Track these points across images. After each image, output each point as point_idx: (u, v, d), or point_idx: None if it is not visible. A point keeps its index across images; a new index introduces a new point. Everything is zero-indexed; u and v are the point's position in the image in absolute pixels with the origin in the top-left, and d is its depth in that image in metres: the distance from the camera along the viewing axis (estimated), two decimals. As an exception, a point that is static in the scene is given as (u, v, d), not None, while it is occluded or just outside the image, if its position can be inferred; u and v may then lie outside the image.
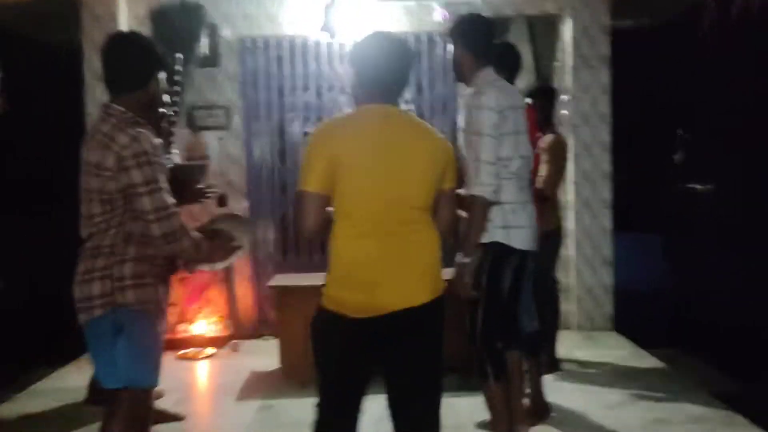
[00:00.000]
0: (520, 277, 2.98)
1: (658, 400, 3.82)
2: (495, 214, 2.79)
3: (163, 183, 2.28)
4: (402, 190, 2.07)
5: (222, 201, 5.47)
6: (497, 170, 2.73)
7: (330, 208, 2.10)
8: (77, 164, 2.34)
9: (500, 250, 2.81)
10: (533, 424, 3.38)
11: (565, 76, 5.48)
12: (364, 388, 2.15)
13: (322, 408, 2.16)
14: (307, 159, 2.07)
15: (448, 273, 2.88)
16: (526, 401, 3.37)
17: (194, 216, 5.25)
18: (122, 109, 2.30)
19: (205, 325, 5.33)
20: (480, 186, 2.70)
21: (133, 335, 2.26)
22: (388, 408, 2.16)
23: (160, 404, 3.86)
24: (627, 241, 5.69)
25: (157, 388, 3.86)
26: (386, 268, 2.05)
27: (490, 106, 2.72)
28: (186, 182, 2.93)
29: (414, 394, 2.15)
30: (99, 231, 2.27)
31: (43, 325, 3.49)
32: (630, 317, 5.46)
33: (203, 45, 5.16)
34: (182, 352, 5.00)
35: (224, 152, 5.48)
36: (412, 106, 4.17)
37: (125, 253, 2.27)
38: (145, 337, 2.31)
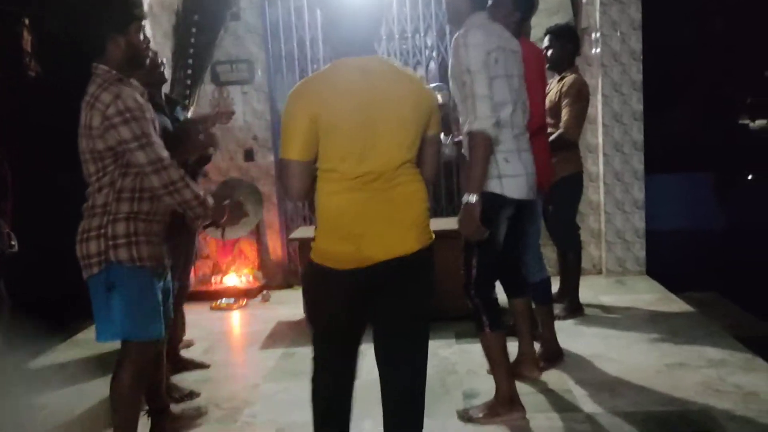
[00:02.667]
0: (518, 226, 2.94)
1: (679, 344, 3.76)
2: (489, 163, 2.73)
3: (154, 136, 2.33)
4: (386, 145, 2.03)
5: (248, 154, 5.56)
6: (494, 105, 2.66)
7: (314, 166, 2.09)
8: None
9: (493, 199, 2.76)
10: (544, 369, 3.40)
11: (594, 13, 5.27)
12: (358, 339, 2.17)
13: (318, 360, 2.19)
14: (288, 123, 2.03)
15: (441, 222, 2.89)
16: (533, 348, 3.37)
17: (221, 171, 5.38)
18: (106, 68, 2.34)
19: (237, 276, 5.48)
20: (478, 120, 2.63)
21: (126, 291, 2.35)
22: (375, 357, 2.19)
23: (190, 353, 4.04)
24: (660, 183, 5.53)
25: (187, 338, 4.08)
26: (372, 220, 2.04)
27: (476, 44, 2.65)
28: (186, 136, 2.98)
29: (400, 341, 2.17)
30: (94, 191, 2.37)
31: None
32: (663, 262, 5.35)
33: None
34: (215, 303, 5.17)
35: (249, 106, 5.53)
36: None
37: (117, 212, 2.35)
38: (140, 293, 2.39)
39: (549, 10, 5.72)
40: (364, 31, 2.09)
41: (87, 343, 4.38)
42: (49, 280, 4.32)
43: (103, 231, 2.34)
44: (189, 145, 3.11)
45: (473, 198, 2.64)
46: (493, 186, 2.76)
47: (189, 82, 3.57)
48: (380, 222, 2.05)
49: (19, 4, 4.99)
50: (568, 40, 4.21)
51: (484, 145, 2.66)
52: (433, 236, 2.18)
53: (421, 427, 2.22)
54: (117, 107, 2.25)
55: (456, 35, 2.76)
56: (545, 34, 4.25)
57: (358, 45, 2.08)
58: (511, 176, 2.77)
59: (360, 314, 2.15)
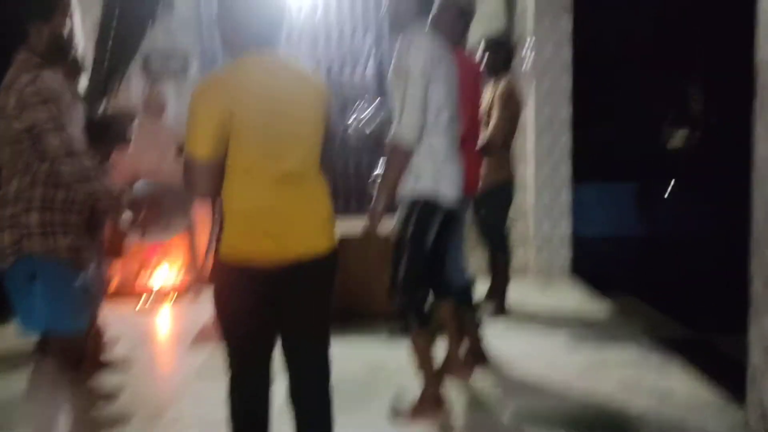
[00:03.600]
0: (447, 230, 2.98)
1: (599, 345, 3.90)
2: (424, 168, 2.77)
3: (71, 124, 2.26)
4: (296, 143, 2.03)
5: (180, 151, 5.44)
6: (424, 115, 2.68)
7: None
8: None
9: (428, 204, 2.80)
10: (471, 369, 3.47)
11: (528, 23, 5.41)
12: (273, 339, 2.14)
13: (233, 364, 2.14)
14: (196, 120, 1.95)
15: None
16: (460, 348, 3.43)
17: (154, 167, 5.25)
18: (27, 55, 2.28)
19: (166, 272, 5.36)
20: (402, 127, 2.65)
21: (46, 282, 2.28)
22: (281, 356, 2.17)
23: (113, 351, 3.92)
24: (586, 191, 5.72)
25: (111, 334, 3.95)
26: (289, 218, 2.04)
27: (421, 47, 2.67)
28: (112, 129, 2.91)
29: (306, 340, 2.17)
30: (8, 176, 2.28)
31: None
32: (587, 267, 5.54)
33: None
34: (143, 299, 5.05)
35: (182, 101, 5.41)
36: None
37: (31, 200, 2.27)
38: (60, 285, 2.32)
39: (483, 17, 5.85)
40: (265, 26, 2.03)
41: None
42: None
43: (16, 220, 2.26)
44: (109, 137, 3.02)
45: (378, 206, 2.74)
46: (428, 188, 2.79)
47: (106, 73, 3.44)
48: (297, 219, 2.05)
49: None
50: (501, 48, 4.31)
51: (402, 156, 2.70)
52: (337, 237, 2.19)
53: (332, 426, 2.22)
54: (35, 86, 2.19)
55: (401, 40, 2.78)
56: (481, 41, 4.33)
57: (258, 40, 2.02)
58: (446, 180, 2.81)
59: (273, 312, 2.10)
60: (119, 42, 3.20)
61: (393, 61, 2.82)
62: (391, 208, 2.84)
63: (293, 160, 2.02)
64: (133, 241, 5.24)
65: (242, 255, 2.02)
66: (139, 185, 2.72)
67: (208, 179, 1.97)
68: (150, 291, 5.19)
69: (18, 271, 2.27)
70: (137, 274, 5.39)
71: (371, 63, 5.57)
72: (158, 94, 5.37)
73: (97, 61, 3.20)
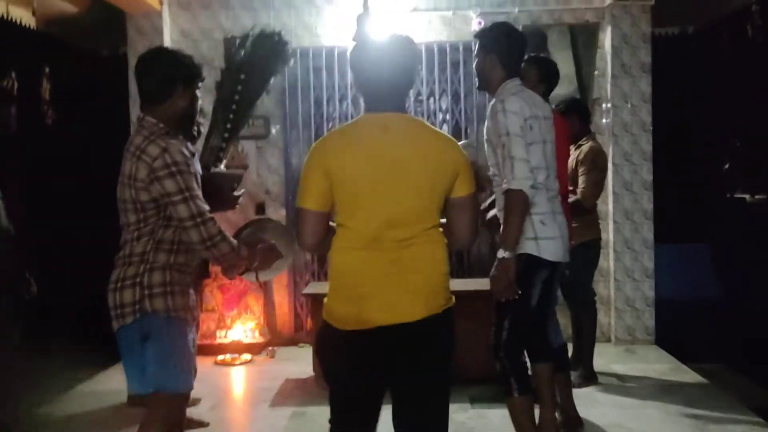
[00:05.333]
0: (550, 290, 2.94)
1: (696, 416, 3.72)
2: (526, 225, 2.76)
3: (197, 190, 2.32)
4: (399, 205, 1.98)
5: (260, 208, 5.56)
6: (531, 168, 2.69)
7: (332, 223, 2.07)
8: (118, 173, 2.40)
9: (530, 261, 2.78)
10: (566, 438, 3.34)
11: (605, 85, 5.41)
12: (375, 402, 2.08)
13: (335, 423, 2.11)
14: (305, 174, 2.02)
15: (469, 283, 2.91)
16: (556, 414, 3.31)
17: (231, 223, 5.37)
18: (154, 121, 2.35)
19: (242, 331, 5.40)
20: (516, 180, 2.66)
21: (160, 342, 2.30)
22: (393, 425, 2.10)
23: (195, 410, 3.93)
24: (669, 253, 5.56)
25: (193, 395, 3.97)
26: (377, 282, 1.97)
27: (514, 111, 2.71)
28: (220, 190, 2.98)
29: (415, 412, 2.07)
30: (132, 239, 2.33)
31: (86, 328, 3.60)
32: (672, 330, 5.34)
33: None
34: (219, 357, 5.07)
35: (263, 161, 5.56)
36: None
37: (155, 261, 2.31)
38: (174, 344, 2.34)
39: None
40: (390, 86, 2.04)
41: (90, 395, 4.27)
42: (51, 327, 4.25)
43: (138, 280, 2.30)
44: (219, 199, 3.10)
45: (508, 254, 2.66)
46: (530, 248, 2.78)
47: (227, 136, 3.59)
48: (387, 285, 1.98)
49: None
50: (574, 113, 4.29)
51: (522, 203, 2.69)
52: (452, 301, 2.09)
53: None
54: (164, 160, 2.24)
55: (493, 102, 2.82)
56: (557, 104, 4.32)
57: (383, 100, 2.04)
58: (548, 238, 2.80)
59: (372, 379, 2.05)
60: (240, 109, 3.32)
61: (488, 122, 2.86)
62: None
63: (392, 220, 1.97)
64: (217, 293, 5.37)
65: (331, 314, 2.02)
66: (248, 231, 2.79)
67: (311, 229, 2.02)
68: (226, 348, 5.21)
69: (134, 330, 2.29)
70: (215, 330, 5.44)
71: (446, 124, 5.63)
72: (240, 155, 5.53)
73: (217, 124, 3.31)
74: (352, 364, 2.02)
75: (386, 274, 1.98)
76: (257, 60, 3.55)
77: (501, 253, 2.67)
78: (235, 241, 2.43)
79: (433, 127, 2.15)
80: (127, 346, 2.34)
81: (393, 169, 1.97)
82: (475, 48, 2.98)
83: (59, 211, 4.65)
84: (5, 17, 4.72)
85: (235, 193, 2.97)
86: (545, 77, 3.40)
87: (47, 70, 5.17)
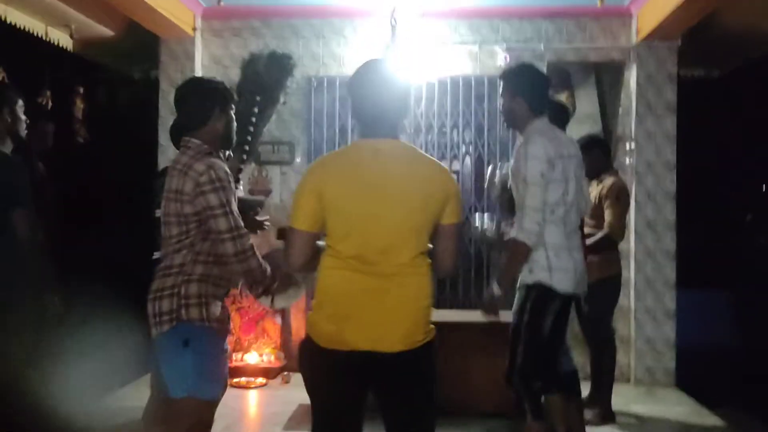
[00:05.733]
0: (562, 320, 2.96)
1: (717, 460, 3.64)
2: (540, 256, 2.85)
3: (235, 207, 2.46)
4: (389, 230, 2.01)
5: (282, 234, 5.59)
6: (543, 217, 2.80)
7: (320, 242, 2.11)
8: (150, 191, 2.53)
9: (543, 291, 2.85)
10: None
11: (629, 123, 5.42)
12: (354, 416, 2.09)
13: None
14: (296, 196, 2.09)
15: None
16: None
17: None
18: (198, 142, 2.51)
19: (258, 355, 5.40)
20: (522, 232, 2.82)
21: (198, 348, 2.40)
22: None
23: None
24: (691, 294, 5.50)
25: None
26: (361, 305, 2.00)
27: (537, 155, 2.81)
28: (245, 214, 3.04)
29: None
30: (173, 251, 2.47)
31: (106, 344, 3.64)
32: (692, 374, 5.24)
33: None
34: (235, 380, 5.07)
35: (287, 187, 5.62)
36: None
37: (192, 272, 2.44)
38: (208, 352, 2.44)
39: (578, 119, 5.91)
40: (384, 113, 2.08)
41: (106, 412, 4.28)
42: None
43: (176, 290, 2.42)
44: (248, 225, 3.16)
45: (497, 290, 2.87)
46: (543, 277, 2.85)
47: (245, 158, 3.70)
48: (368, 310, 2.00)
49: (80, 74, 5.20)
50: (596, 149, 4.31)
51: (522, 253, 2.85)
52: (432, 334, 2.09)
53: None
54: (209, 176, 2.40)
55: (519, 144, 2.91)
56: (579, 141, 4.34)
57: (376, 127, 2.08)
58: (561, 270, 2.86)
59: (351, 394, 2.06)
60: (257, 131, 3.45)
61: (514, 162, 2.93)
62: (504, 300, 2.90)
63: (379, 245, 2.00)
64: (235, 316, 5.39)
65: (314, 330, 2.07)
66: (269, 256, 2.82)
67: (299, 249, 2.07)
68: (244, 372, 5.21)
69: (172, 337, 2.40)
70: (231, 353, 5.44)
71: (469, 156, 5.66)
72: (264, 179, 5.60)
73: (236, 148, 3.41)
74: (331, 380, 2.06)
75: (370, 300, 2.01)
76: (269, 82, 3.68)
77: (494, 290, 2.88)
78: (263, 261, 2.54)
79: (425, 153, 2.19)
80: (165, 351, 2.44)
81: (384, 195, 2.01)
82: (500, 89, 3.05)
83: (90, 227, 4.74)
84: (44, 38, 4.88)
85: (259, 218, 3.03)
86: (555, 119, 3.45)
87: (81, 90, 5.31)
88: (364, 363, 2.01)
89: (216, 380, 2.48)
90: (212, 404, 2.49)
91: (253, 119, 3.41)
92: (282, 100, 4.81)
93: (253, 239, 2.50)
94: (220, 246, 2.41)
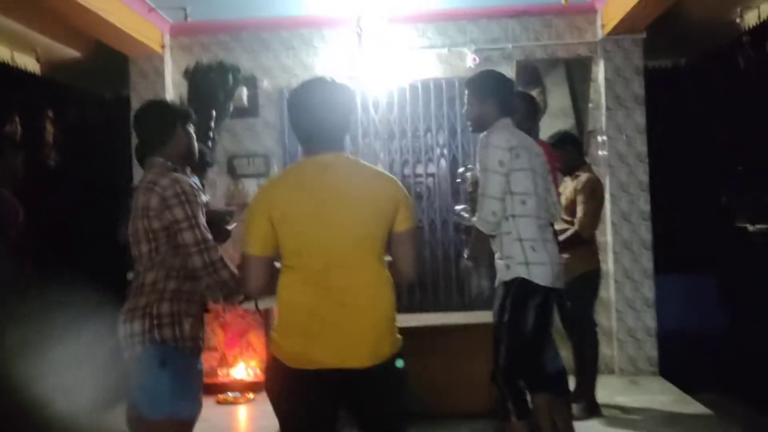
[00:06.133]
0: (543, 315, 2.97)
1: (701, 447, 3.69)
2: (516, 251, 2.86)
3: (202, 219, 2.45)
4: (343, 244, 2.02)
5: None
6: (501, 206, 2.82)
7: (277, 264, 2.11)
8: (122, 211, 2.56)
9: (523, 286, 2.86)
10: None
11: (600, 117, 5.48)
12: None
13: None
14: (248, 220, 2.08)
15: (469, 316, 3.02)
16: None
17: (231, 258, 5.40)
18: (162, 160, 2.52)
19: (244, 369, 5.38)
20: (480, 221, 2.88)
21: (173, 369, 2.37)
22: None
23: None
24: (670, 283, 5.56)
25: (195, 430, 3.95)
26: (324, 323, 2.00)
27: (497, 144, 2.83)
28: (215, 224, 3.06)
29: None
30: (144, 269, 2.45)
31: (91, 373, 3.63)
32: (675, 362, 5.30)
33: (242, 97, 5.35)
34: (222, 396, 5.06)
35: (263, 199, 5.61)
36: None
37: (165, 290, 2.41)
38: (184, 371, 2.41)
39: (552, 114, 5.97)
40: (326, 129, 2.09)
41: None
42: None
43: (148, 310, 2.40)
44: (217, 235, 3.16)
45: (468, 262, 3.11)
46: (521, 272, 2.86)
47: (206, 168, 3.80)
48: (331, 326, 2.00)
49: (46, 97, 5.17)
50: (569, 145, 4.36)
51: (480, 236, 2.97)
52: (399, 345, 2.10)
53: None
54: (174, 190, 2.40)
55: (482, 135, 2.90)
56: (551, 137, 4.38)
57: (320, 143, 2.09)
58: (537, 264, 2.86)
59: (319, 412, 2.06)
60: (213, 137, 3.52)
61: (478, 153, 2.95)
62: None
63: (333, 259, 2.01)
64: (219, 331, 5.37)
65: (279, 350, 2.06)
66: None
67: (255, 274, 2.08)
68: (229, 386, 5.20)
69: (146, 358, 2.37)
70: (217, 368, 5.43)
71: (444, 159, 5.69)
72: (241, 192, 5.60)
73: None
74: (302, 400, 2.04)
75: (332, 316, 2.01)
76: (213, 92, 3.79)
77: (466, 263, 3.11)
78: (235, 270, 2.50)
79: (371, 165, 2.20)
80: (139, 372, 2.40)
81: (335, 209, 2.03)
82: (465, 96, 3.08)
83: (67, 251, 4.71)
84: (10, 64, 4.84)
85: (228, 227, 3.04)
86: (527, 113, 3.52)
87: (51, 114, 5.27)
88: (333, 380, 2.01)
89: (193, 399, 2.45)
90: (190, 424, 2.46)
91: (210, 132, 3.47)
92: (230, 110, 4.90)
93: (227, 250, 2.50)
94: (188, 260, 2.40)
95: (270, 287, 2.12)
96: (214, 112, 4.70)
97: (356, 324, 2.02)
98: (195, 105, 4.02)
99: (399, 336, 2.12)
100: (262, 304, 2.86)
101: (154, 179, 2.45)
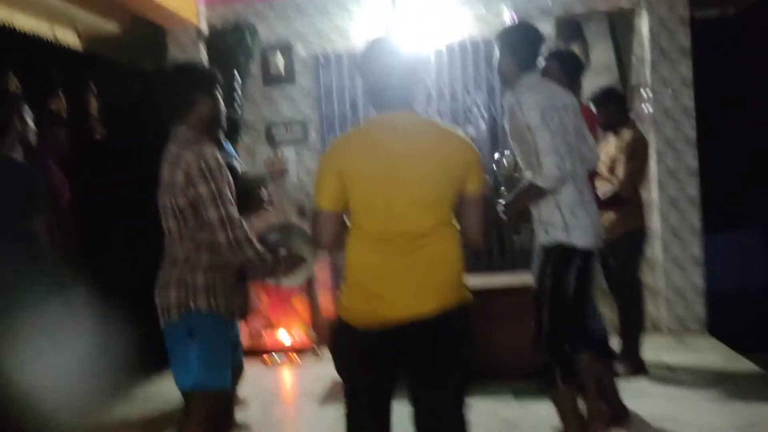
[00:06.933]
0: (586, 277, 2.92)
1: (750, 405, 3.61)
2: (555, 217, 2.78)
3: (228, 195, 2.40)
4: (412, 203, 2.01)
5: (301, 211, 5.65)
6: (561, 159, 2.67)
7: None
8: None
9: (563, 251, 2.78)
10: (610, 429, 3.29)
11: (644, 71, 5.31)
12: (388, 395, 2.11)
13: (349, 417, 2.14)
14: (319, 176, 2.08)
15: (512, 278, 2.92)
16: (602, 404, 3.27)
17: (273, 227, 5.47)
18: (184, 129, 2.46)
19: (288, 332, 5.49)
20: (543, 177, 2.68)
21: (204, 339, 2.39)
22: (411, 422, 2.12)
23: (243, 411, 4.00)
24: (719, 240, 5.42)
25: (240, 397, 4.04)
26: (391, 281, 2.01)
27: (530, 105, 2.71)
28: (248, 192, 3.06)
29: (433, 407, 2.08)
30: (175, 242, 2.44)
31: (139, 331, 3.73)
32: (725, 321, 5.19)
33: (278, 64, 5.35)
34: (267, 358, 5.17)
35: (303, 166, 5.65)
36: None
37: (197, 262, 2.41)
38: (216, 341, 2.43)
39: (595, 70, 5.82)
40: (398, 87, 2.07)
41: (145, 399, 4.42)
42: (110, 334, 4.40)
43: (183, 281, 2.40)
44: (251, 203, 3.18)
45: (503, 210, 2.89)
46: (561, 237, 2.78)
47: (236, 136, 3.80)
48: (402, 283, 2.01)
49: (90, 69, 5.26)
50: (611, 102, 4.22)
51: (536, 195, 2.78)
52: (468, 298, 2.10)
53: None
54: (199, 165, 2.35)
55: (509, 101, 2.83)
56: (590, 100, 4.25)
57: (391, 101, 2.07)
58: (578, 228, 2.79)
59: (385, 374, 2.09)
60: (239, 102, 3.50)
61: (508, 123, 2.87)
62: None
63: (404, 219, 2.01)
64: (264, 295, 5.47)
65: (347, 312, 2.07)
66: (273, 236, 2.85)
67: (327, 229, 2.08)
68: (275, 349, 5.31)
69: (180, 327, 2.40)
70: (261, 333, 5.54)
71: (483, 120, 5.61)
72: (280, 160, 5.64)
73: None
74: (367, 361, 2.07)
75: (401, 274, 2.01)
76: (224, 52, 3.74)
77: (500, 214, 2.86)
78: (261, 248, 2.49)
79: (443, 124, 2.19)
80: (173, 343, 2.44)
81: (404, 168, 2.01)
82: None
83: (111, 222, 4.82)
84: (52, 40, 4.92)
85: (261, 195, 3.04)
86: (566, 70, 3.39)
87: (94, 88, 5.36)
88: (402, 335, 2.01)
89: (224, 369, 2.46)
90: (224, 392, 2.49)
91: (235, 95, 3.47)
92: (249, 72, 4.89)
93: (269, 219, 2.46)
94: (213, 237, 2.37)
95: (341, 243, 2.11)
96: (237, 74, 4.67)
97: (426, 279, 2.02)
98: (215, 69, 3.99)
99: (468, 292, 2.11)
100: (287, 282, 2.85)
101: (179, 153, 2.39)
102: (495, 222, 2.87)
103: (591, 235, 2.82)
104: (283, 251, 2.66)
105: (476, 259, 5.45)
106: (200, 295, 2.39)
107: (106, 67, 5.66)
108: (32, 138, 3.32)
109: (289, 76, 5.56)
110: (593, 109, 4.13)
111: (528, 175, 2.81)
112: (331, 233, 2.08)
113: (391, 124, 2.07)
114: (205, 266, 2.42)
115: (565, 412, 2.80)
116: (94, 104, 5.49)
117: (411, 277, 2.01)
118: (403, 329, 2.00)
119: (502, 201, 2.97)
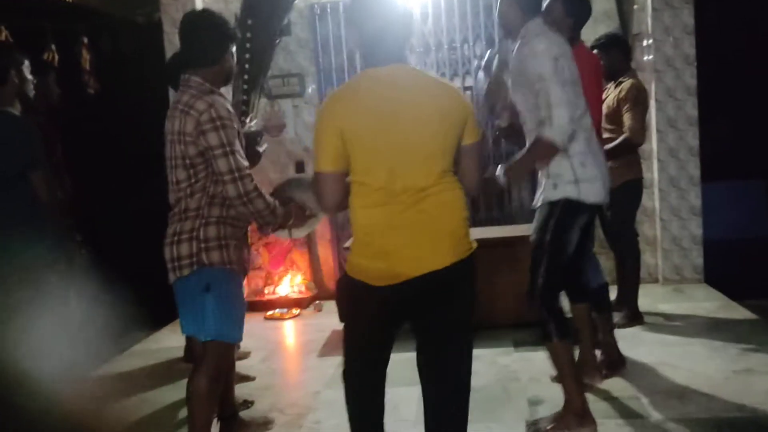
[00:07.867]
0: (588, 232, 2.89)
1: (745, 350, 3.67)
2: (564, 169, 2.71)
3: (237, 147, 2.39)
4: (413, 155, 1.99)
5: (299, 166, 5.63)
6: (572, 113, 2.60)
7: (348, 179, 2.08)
8: (162, 135, 2.49)
9: (570, 206, 2.72)
10: (606, 377, 3.35)
11: (645, 19, 5.22)
12: (389, 344, 2.15)
13: (349, 364, 2.17)
14: (317, 137, 2.03)
15: (511, 230, 2.85)
16: (598, 353, 3.32)
17: (273, 182, 5.45)
18: (200, 80, 2.43)
19: (289, 286, 5.53)
20: (554, 130, 2.58)
21: (219, 293, 2.40)
22: (417, 371, 2.15)
23: (246, 362, 4.06)
24: (717, 190, 5.42)
25: (243, 349, 4.10)
26: (402, 236, 1.99)
27: (543, 52, 2.61)
28: (247, 147, 3.05)
29: (441, 356, 2.11)
30: (185, 196, 2.41)
31: (137, 290, 3.76)
32: (721, 269, 5.23)
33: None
34: (268, 313, 5.23)
35: (300, 120, 5.60)
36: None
37: (210, 215, 2.40)
38: (230, 295, 2.45)
39: (595, 18, 5.69)
40: (391, 40, 2.04)
41: (145, 353, 4.47)
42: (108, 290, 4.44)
43: (195, 234, 2.38)
44: (248, 158, 3.17)
45: (500, 178, 2.69)
46: (570, 191, 2.72)
47: (246, 88, 3.64)
48: (411, 236, 2.00)
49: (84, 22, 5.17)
50: (615, 48, 4.16)
51: (546, 153, 2.67)
52: (474, 246, 2.11)
53: None
54: (210, 114, 2.33)
55: (518, 45, 2.75)
56: (591, 48, 4.18)
57: (385, 54, 2.04)
58: (589, 180, 2.72)
59: (392, 329, 2.13)
60: (254, 58, 3.40)
61: (514, 64, 2.78)
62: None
63: (408, 173, 1.99)
64: (263, 251, 5.50)
65: (359, 270, 2.06)
66: (280, 188, 2.85)
67: (331, 191, 2.04)
68: (275, 303, 5.36)
69: (193, 281, 2.39)
70: (263, 287, 5.59)
71: (481, 70, 5.54)
72: (277, 114, 5.59)
73: (236, 79, 3.38)
74: (377, 316, 2.09)
75: (410, 227, 2.00)
76: (262, 9, 3.62)
77: (498, 171, 2.70)
78: (271, 199, 2.50)
79: (435, 75, 2.16)
80: (185, 296, 2.43)
81: (404, 121, 1.99)
82: None
83: (105, 175, 4.81)
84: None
85: (259, 149, 3.03)
86: (571, 13, 3.30)
87: (86, 41, 5.28)
88: (415, 288, 2.01)
89: (238, 323, 2.50)
90: (234, 346, 2.55)
91: (247, 45, 3.37)
92: (282, 25, 4.72)
93: (266, 173, 2.46)
94: (223, 189, 2.36)
95: (345, 203, 2.09)
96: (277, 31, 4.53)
97: (436, 231, 2.01)
98: (254, 25, 3.78)
99: (474, 241, 2.12)
100: (296, 234, 2.86)
101: (191, 102, 2.35)
102: (494, 188, 2.75)
103: (600, 188, 2.76)
104: (292, 204, 2.67)
105: (475, 212, 5.47)
106: (213, 250, 2.38)
107: (99, 20, 5.58)
108: (30, 91, 3.27)
109: (285, 27, 5.45)
110: (597, 53, 4.06)
111: (529, 127, 2.74)
112: (335, 195, 2.05)
113: (388, 79, 2.03)
114: (217, 219, 2.40)
115: (561, 367, 2.82)
116: (86, 57, 5.43)
117: (422, 231, 2.01)
118: (417, 282, 2.00)
119: (501, 165, 2.82)
